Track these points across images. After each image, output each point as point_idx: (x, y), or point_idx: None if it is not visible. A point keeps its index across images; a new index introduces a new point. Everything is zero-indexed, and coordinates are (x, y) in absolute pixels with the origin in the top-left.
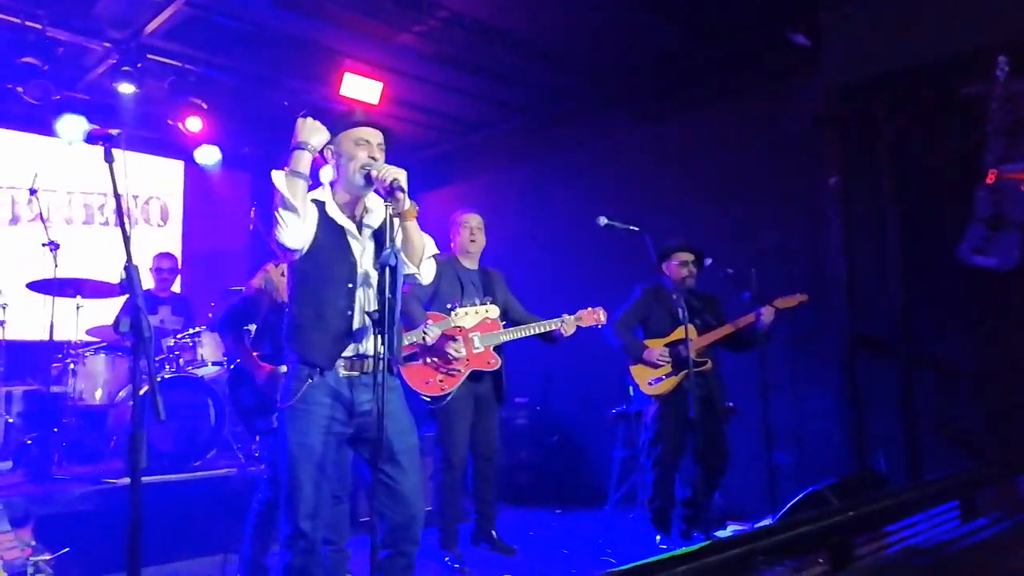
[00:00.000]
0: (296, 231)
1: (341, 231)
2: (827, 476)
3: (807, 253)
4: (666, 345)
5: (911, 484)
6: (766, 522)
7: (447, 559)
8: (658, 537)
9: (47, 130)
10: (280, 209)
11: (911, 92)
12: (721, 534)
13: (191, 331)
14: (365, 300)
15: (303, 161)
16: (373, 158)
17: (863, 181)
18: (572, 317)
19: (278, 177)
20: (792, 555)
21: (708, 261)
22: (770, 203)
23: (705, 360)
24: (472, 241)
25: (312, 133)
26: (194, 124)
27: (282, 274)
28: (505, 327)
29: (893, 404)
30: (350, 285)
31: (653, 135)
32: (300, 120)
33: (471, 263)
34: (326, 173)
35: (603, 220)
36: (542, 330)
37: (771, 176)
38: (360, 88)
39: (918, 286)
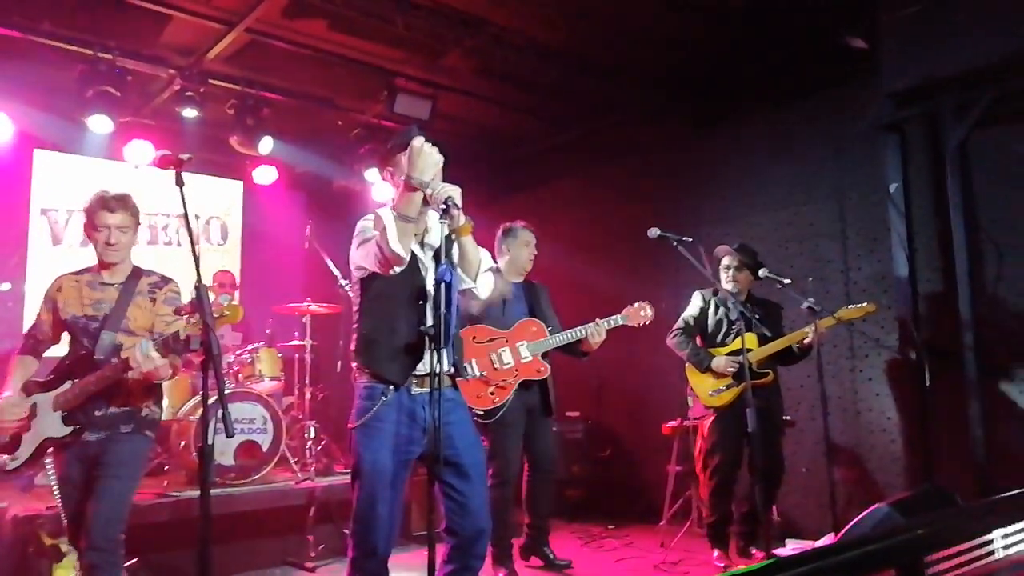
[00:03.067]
0: (398, 267)
1: (412, 251)
2: (890, 493)
3: (869, 261)
4: (729, 354)
5: (984, 501)
6: (827, 539)
7: (503, 575)
8: (715, 553)
9: (115, 155)
10: (386, 253)
11: (976, 95)
12: (780, 551)
13: (250, 347)
14: (426, 318)
15: (415, 203)
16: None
17: (927, 187)
18: (606, 320)
19: (388, 220)
20: (858, 574)
21: (764, 272)
22: (830, 211)
23: (767, 371)
24: (530, 259)
25: (428, 167)
26: (265, 146)
27: None
28: None
29: (961, 418)
30: (420, 302)
31: (706, 144)
32: (415, 146)
33: (516, 277)
34: (386, 191)
35: (655, 231)
36: (583, 335)
37: (830, 183)
38: (412, 105)
39: (987, 295)
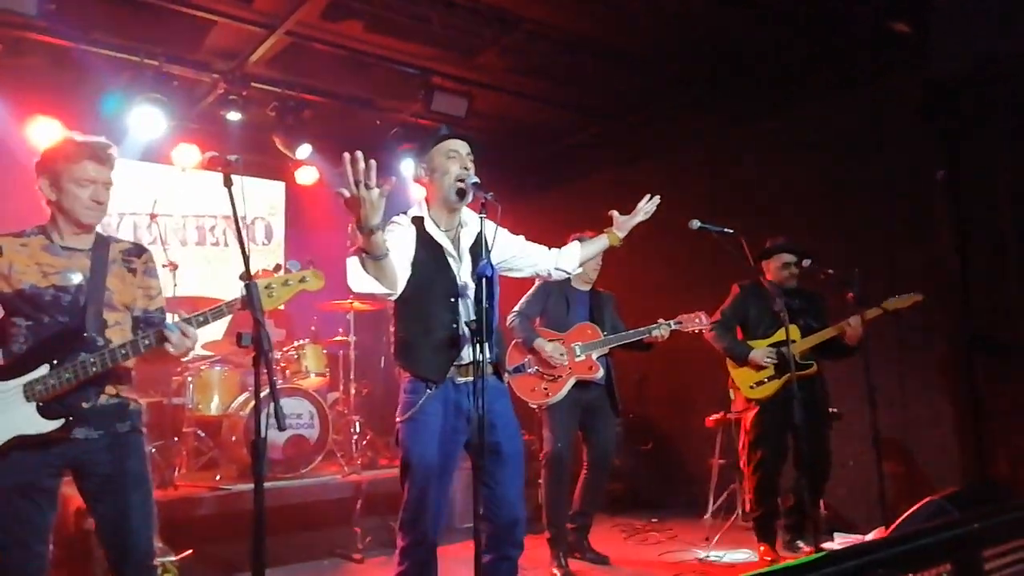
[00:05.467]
0: (399, 285)
1: (439, 248)
2: (941, 487)
3: (916, 251)
4: (770, 346)
5: None
6: (877, 533)
7: (553, 566)
8: (761, 548)
9: (162, 159)
10: (376, 282)
11: None
12: (828, 545)
13: (296, 343)
14: (466, 311)
15: (375, 242)
16: (465, 168)
17: (975, 175)
18: (668, 322)
19: (354, 267)
20: (913, 568)
21: (807, 262)
22: (874, 200)
23: (810, 363)
24: (596, 269)
25: (373, 215)
26: (303, 152)
27: None
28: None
29: (1014, 410)
30: (452, 299)
31: (747, 134)
32: (357, 225)
33: (583, 285)
34: (419, 190)
35: (696, 223)
36: (638, 337)
37: (875, 172)
38: (448, 103)
39: None
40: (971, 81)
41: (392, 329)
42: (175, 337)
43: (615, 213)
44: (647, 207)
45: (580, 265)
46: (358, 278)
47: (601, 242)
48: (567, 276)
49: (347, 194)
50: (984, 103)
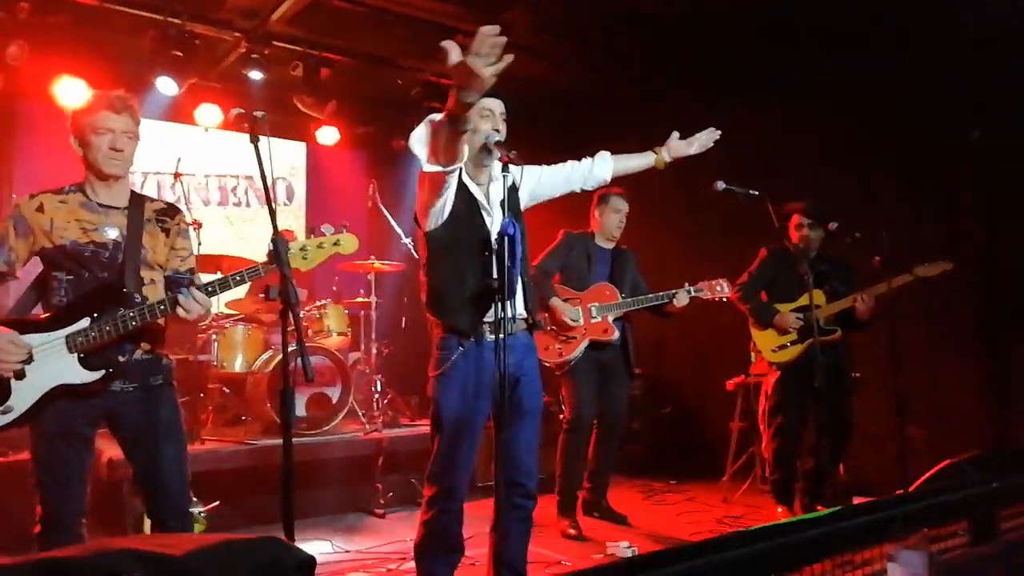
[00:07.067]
0: (456, 165)
1: (475, 201)
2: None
3: (940, 217)
4: (795, 310)
5: None
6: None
7: (565, 526)
8: (779, 509)
9: (184, 118)
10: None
11: None
12: None
13: (318, 304)
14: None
15: (465, 117)
16: (496, 129)
17: (1006, 138)
18: (688, 289)
19: (423, 130)
20: (929, 524)
21: (834, 225)
22: (899, 164)
23: (834, 328)
24: (620, 226)
25: (478, 90)
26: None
27: None
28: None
29: None
30: (487, 253)
31: (772, 97)
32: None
33: (607, 243)
34: None
35: (720, 185)
36: (657, 302)
37: (899, 136)
38: None
39: None
40: (1003, 37)
41: (424, 279)
42: (185, 302)
43: (675, 134)
44: (706, 139)
45: (614, 175)
46: (420, 139)
47: (645, 159)
48: (604, 183)
49: (458, 58)
50: (1015, 63)
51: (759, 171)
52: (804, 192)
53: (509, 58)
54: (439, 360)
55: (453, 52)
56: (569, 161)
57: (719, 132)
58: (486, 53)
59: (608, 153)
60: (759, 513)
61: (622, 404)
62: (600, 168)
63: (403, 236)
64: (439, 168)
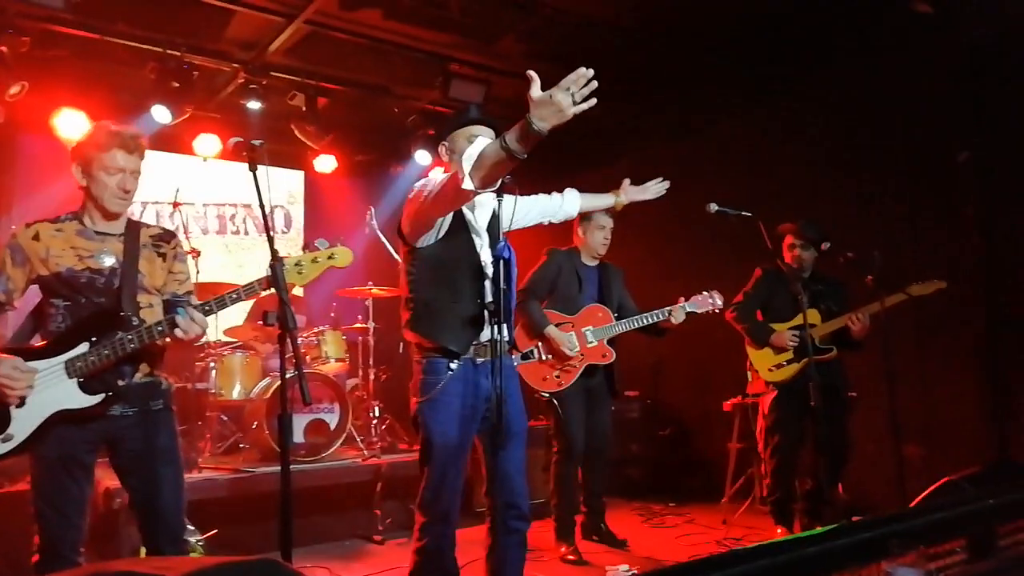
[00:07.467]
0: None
1: (467, 224)
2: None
3: (939, 230)
4: (791, 329)
5: None
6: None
7: (564, 551)
8: (779, 530)
9: (183, 149)
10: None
11: None
12: None
13: (316, 330)
14: (489, 289)
15: (527, 146)
16: None
17: (1004, 149)
18: (683, 305)
19: (478, 145)
20: (926, 541)
21: (826, 245)
22: (897, 176)
23: (829, 348)
24: (604, 243)
25: (552, 123)
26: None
27: None
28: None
29: None
30: (478, 275)
31: (765, 114)
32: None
33: (591, 260)
34: (438, 172)
35: (713, 207)
36: (653, 320)
37: (897, 147)
38: (466, 90)
39: None
40: (1002, 46)
41: (410, 296)
42: (183, 322)
43: (627, 181)
44: (657, 188)
45: (580, 212)
46: (470, 158)
47: (605, 199)
48: (571, 218)
49: (539, 90)
50: (1015, 70)
51: (755, 183)
52: (802, 204)
53: (592, 102)
54: (426, 384)
55: (535, 84)
56: (542, 194)
57: (668, 182)
58: (575, 91)
59: (575, 191)
60: (759, 534)
61: (607, 428)
62: (569, 204)
63: (401, 262)
64: (475, 187)
